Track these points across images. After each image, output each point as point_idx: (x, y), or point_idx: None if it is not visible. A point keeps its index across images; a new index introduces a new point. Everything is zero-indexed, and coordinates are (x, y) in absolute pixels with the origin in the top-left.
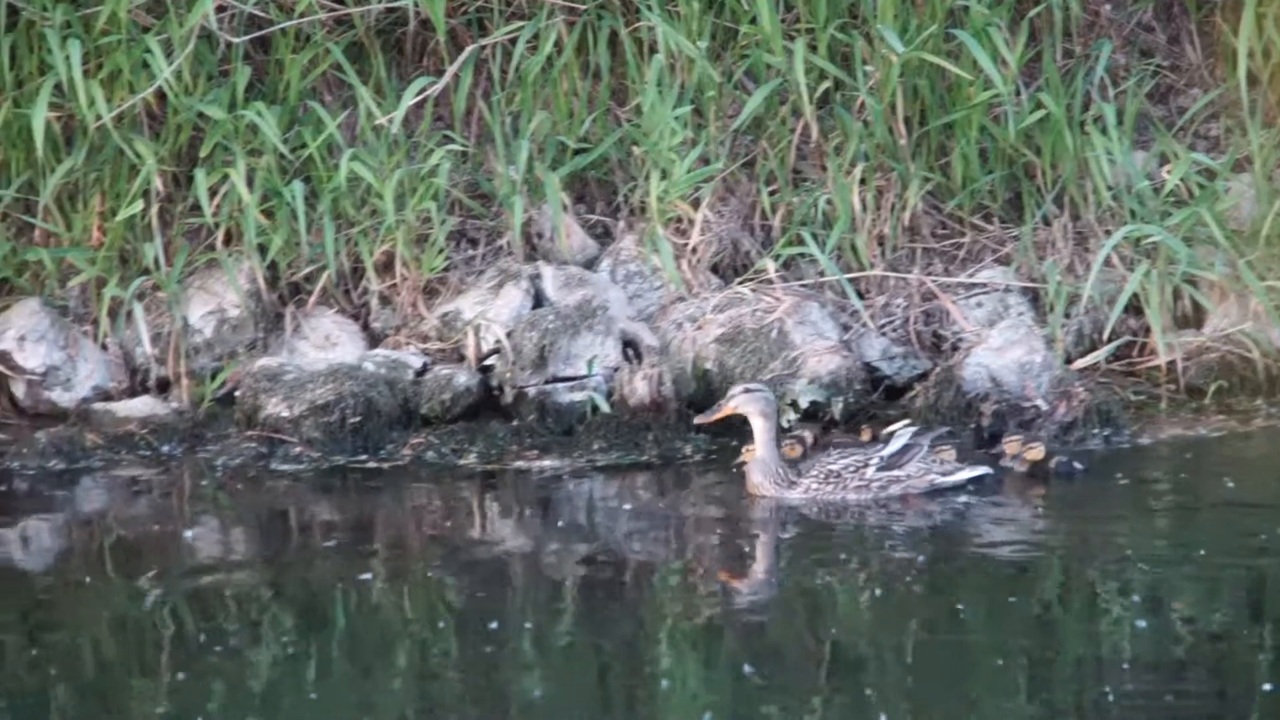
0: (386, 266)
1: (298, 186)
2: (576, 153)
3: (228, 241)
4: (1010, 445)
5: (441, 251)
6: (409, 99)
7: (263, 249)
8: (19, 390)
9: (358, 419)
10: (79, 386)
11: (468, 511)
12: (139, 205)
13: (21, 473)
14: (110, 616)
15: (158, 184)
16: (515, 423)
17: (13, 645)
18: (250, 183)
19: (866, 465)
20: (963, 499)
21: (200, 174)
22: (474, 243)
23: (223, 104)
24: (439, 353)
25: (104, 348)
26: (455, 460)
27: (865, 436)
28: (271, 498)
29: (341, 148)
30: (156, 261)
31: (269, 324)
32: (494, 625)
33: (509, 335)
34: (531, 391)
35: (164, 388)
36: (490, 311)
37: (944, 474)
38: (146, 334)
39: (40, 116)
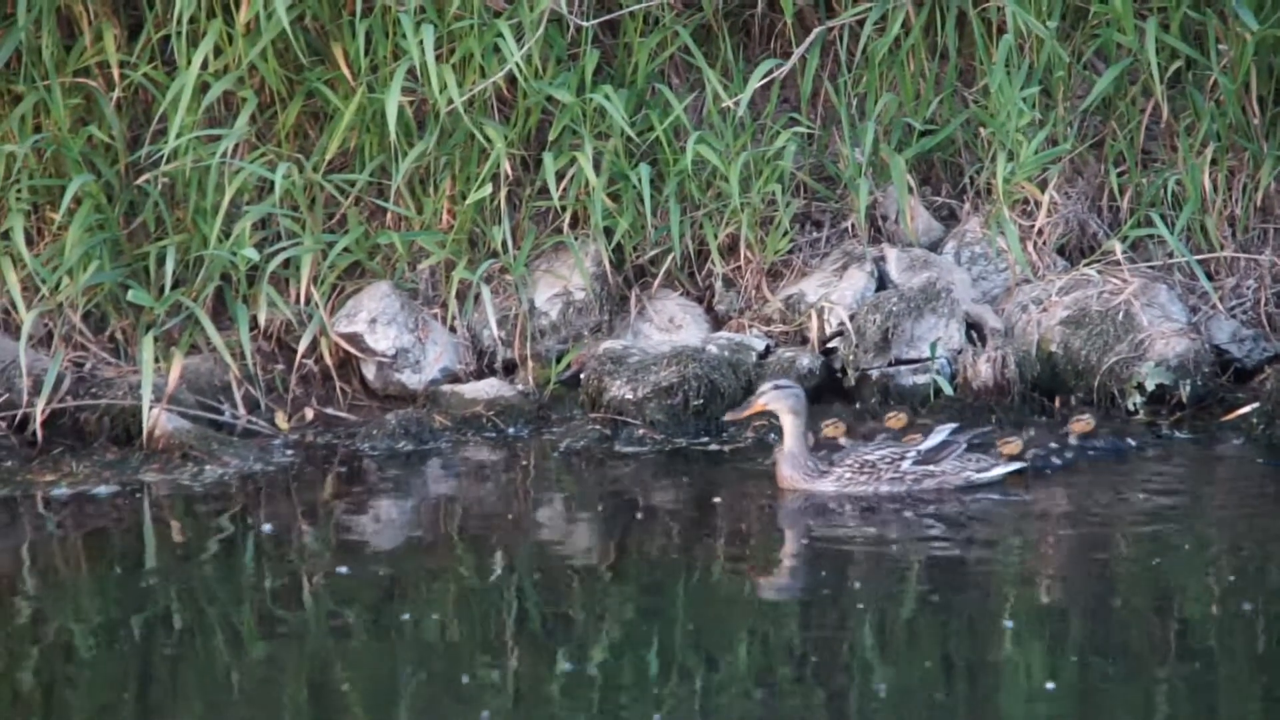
0: (731, 249)
1: (644, 169)
2: (922, 134)
3: (574, 225)
4: (1077, 425)
5: (786, 234)
6: (755, 81)
7: (609, 232)
8: (369, 372)
9: (701, 401)
10: (428, 369)
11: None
12: (488, 189)
13: (371, 453)
14: (456, 596)
15: (506, 168)
16: (858, 405)
17: (360, 624)
18: (597, 166)
19: (903, 458)
20: None
21: (548, 157)
22: (818, 225)
23: (571, 87)
24: (782, 335)
25: (452, 330)
26: None
27: (896, 425)
28: (615, 479)
29: (688, 130)
30: (504, 244)
31: (614, 307)
32: (833, 609)
33: (852, 318)
34: (874, 374)
35: (510, 370)
36: (834, 294)
37: (979, 470)
38: (494, 317)
39: (394, 101)
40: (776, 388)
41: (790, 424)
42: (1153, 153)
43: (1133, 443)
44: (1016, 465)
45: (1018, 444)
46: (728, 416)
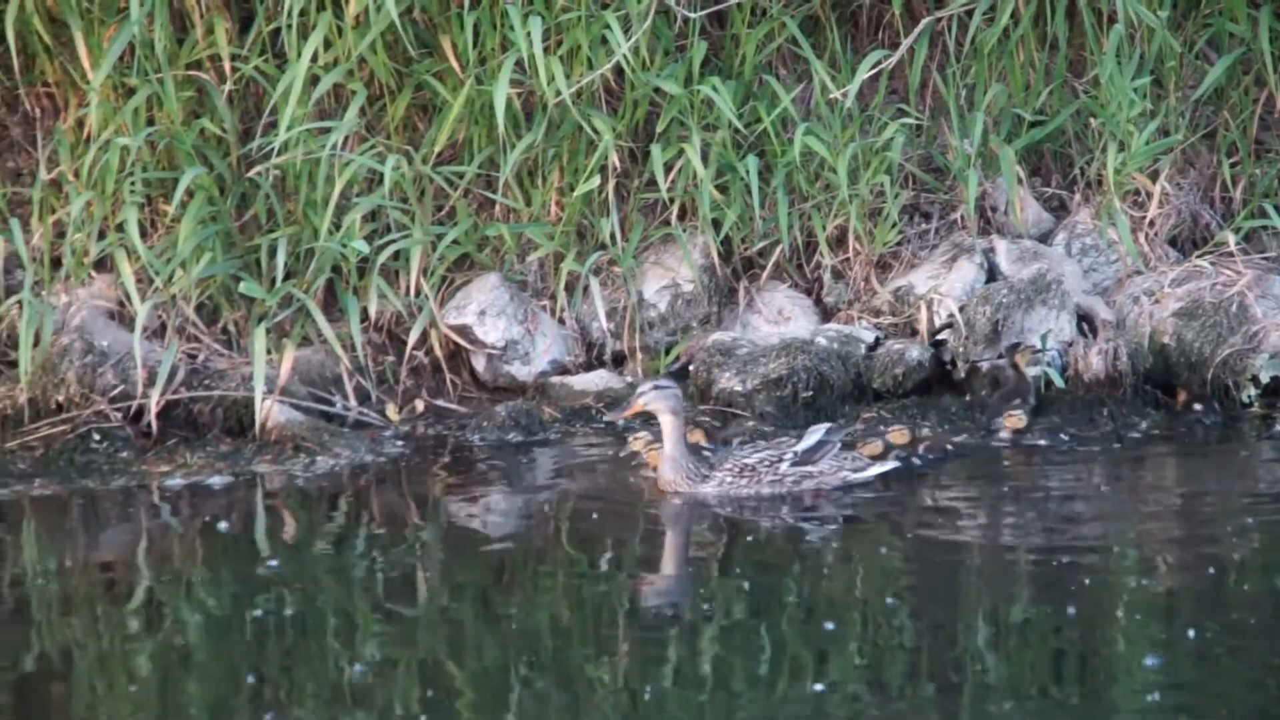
0: (839, 241)
1: (752, 161)
2: (1032, 125)
3: (682, 216)
4: (1010, 420)
5: (895, 226)
6: (864, 72)
7: (716, 224)
8: (479, 364)
9: (810, 393)
10: (536, 360)
11: (917, 486)
12: (596, 181)
13: (481, 445)
14: (566, 589)
15: (614, 159)
16: (968, 397)
17: (471, 617)
18: (705, 158)
19: (780, 460)
20: None
21: (656, 149)
22: (927, 216)
23: (679, 79)
24: (891, 327)
25: (561, 322)
26: None
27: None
28: None
29: (796, 122)
30: (613, 236)
31: (722, 298)
32: (936, 603)
33: (962, 309)
34: (984, 366)
35: (619, 362)
36: (943, 286)
37: (856, 470)
38: (602, 309)
39: (502, 93)
40: (656, 388)
41: (669, 424)
42: (1266, 143)
43: (1065, 437)
44: (892, 464)
45: (878, 445)
46: (609, 417)
